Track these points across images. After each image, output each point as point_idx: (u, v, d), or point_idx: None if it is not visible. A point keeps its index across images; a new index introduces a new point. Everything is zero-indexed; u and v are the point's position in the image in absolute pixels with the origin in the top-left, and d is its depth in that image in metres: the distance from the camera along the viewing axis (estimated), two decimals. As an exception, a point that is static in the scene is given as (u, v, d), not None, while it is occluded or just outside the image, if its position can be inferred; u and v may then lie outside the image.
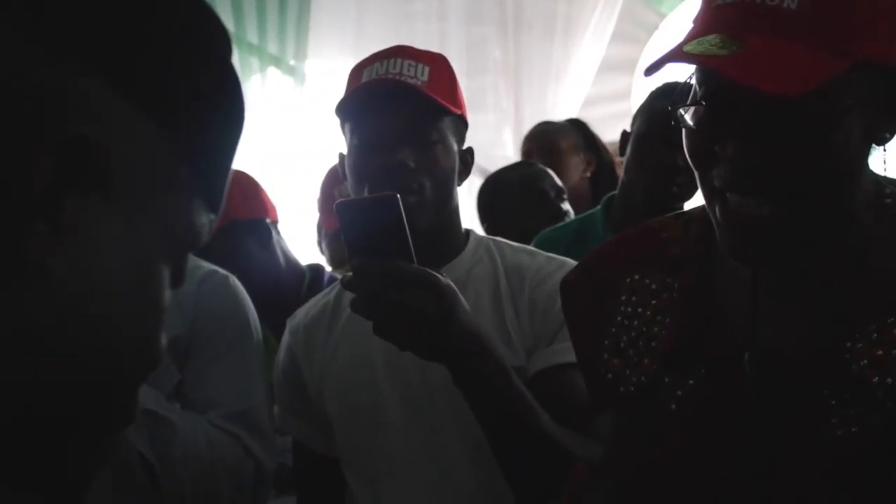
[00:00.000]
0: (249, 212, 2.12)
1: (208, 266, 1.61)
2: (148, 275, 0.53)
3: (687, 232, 1.08)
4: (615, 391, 1.08)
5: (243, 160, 3.13)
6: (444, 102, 1.45)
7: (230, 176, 0.59)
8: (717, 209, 0.92)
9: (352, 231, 1.20)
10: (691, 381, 1.01)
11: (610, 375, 1.09)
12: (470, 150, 1.57)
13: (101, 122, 0.48)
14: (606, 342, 1.10)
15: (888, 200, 0.96)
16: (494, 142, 4.59)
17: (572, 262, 1.53)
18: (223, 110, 0.57)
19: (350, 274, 1.23)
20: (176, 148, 0.54)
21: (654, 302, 1.06)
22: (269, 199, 2.22)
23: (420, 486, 1.45)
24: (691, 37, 0.87)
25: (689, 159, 0.94)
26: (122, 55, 0.50)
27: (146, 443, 1.23)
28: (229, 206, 2.00)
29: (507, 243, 1.59)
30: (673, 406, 1.01)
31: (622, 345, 1.08)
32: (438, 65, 1.50)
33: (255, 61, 4.54)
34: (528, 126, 4.90)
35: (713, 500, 0.97)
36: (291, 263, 2.21)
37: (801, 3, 0.81)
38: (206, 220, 0.57)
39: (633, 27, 4.96)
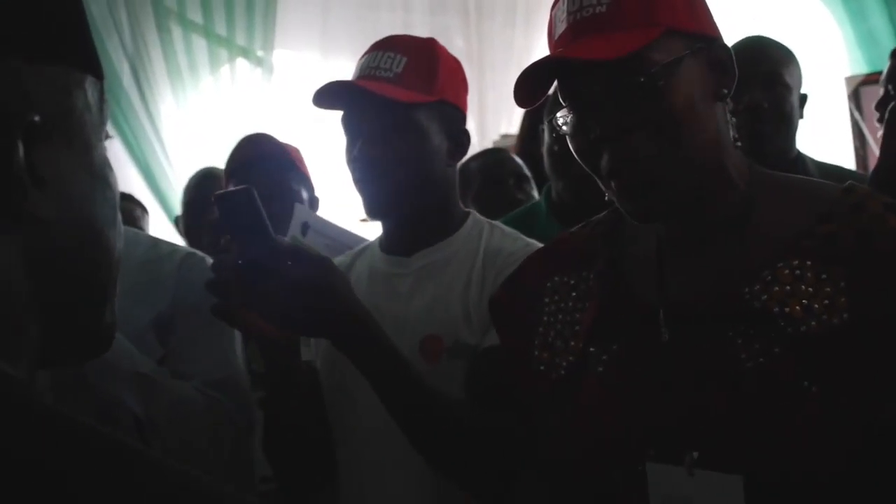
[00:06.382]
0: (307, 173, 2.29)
1: (186, 248, 1.74)
2: (103, 174, 0.68)
3: (593, 233, 1.25)
4: (548, 379, 1.21)
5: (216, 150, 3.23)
6: (410, 96, 1.50)
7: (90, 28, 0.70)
8: (613, 188, 1.10)
9: (223, 219, 1.25)
10: (615, 346, 1.15)
11: (542, 367, 1.22)
12: (464, 131, 1.61)
13: (38, 96, 0.63)
14: (536, 341, 1.24)
15: (759, 172, 1.14)
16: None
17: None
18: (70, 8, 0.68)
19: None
20: (73, 60, 0.67)
21: (573, 294, 1.22)
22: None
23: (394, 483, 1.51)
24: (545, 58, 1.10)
25: (579, 160, 1.11)
26: (28, 38, 0.63)
27: (139, 402, 1.36)
28: (292, 155, 2.16)
29: (501, 228, 1.63)
30: (600, 369, 1.15)
31: (550, 339, 1.22)
32: (419, 54, 1.55)
33: (223, 52, 4.64)
34: (490, 113, 5.03)
35: (639, 446, 1.11)
36: None
37: (608, 5, 1.05)
38: (98, 91, 0.70)
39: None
